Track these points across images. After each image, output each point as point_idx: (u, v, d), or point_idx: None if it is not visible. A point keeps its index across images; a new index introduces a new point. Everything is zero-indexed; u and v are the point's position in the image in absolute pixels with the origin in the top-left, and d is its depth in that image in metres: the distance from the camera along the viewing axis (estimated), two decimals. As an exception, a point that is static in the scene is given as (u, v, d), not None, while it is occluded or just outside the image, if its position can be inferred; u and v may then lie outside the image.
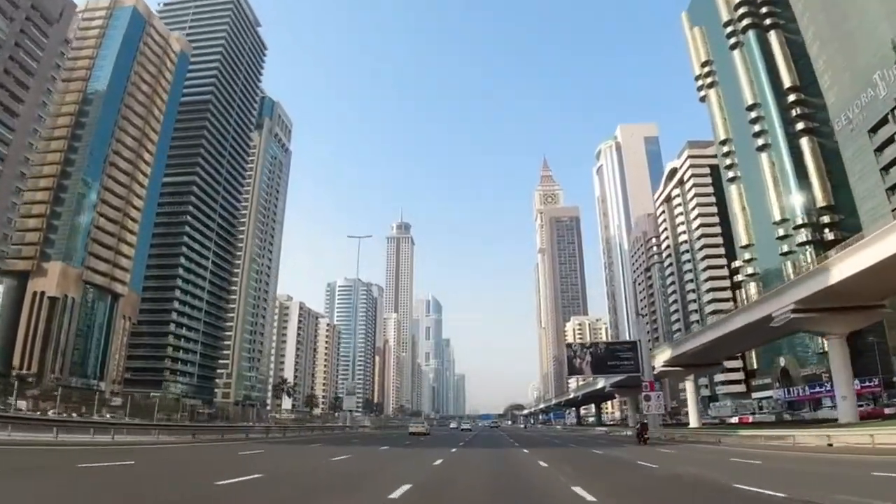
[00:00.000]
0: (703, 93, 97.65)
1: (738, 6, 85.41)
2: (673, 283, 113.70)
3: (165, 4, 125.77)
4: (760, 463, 15.86)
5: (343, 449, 21.24)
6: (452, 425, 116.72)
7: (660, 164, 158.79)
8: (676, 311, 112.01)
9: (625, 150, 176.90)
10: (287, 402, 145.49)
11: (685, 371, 51.87)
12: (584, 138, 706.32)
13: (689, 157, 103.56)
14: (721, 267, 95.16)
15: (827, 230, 70.98)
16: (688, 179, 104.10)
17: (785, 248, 75.13)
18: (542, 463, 16.03)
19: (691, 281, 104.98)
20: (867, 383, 57.81)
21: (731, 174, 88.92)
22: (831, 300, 29.08)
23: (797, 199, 73.39)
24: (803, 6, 71.86)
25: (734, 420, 60.08)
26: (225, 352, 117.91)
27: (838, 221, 70.80)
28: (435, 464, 15.46)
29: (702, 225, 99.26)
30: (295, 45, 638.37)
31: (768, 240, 79.09)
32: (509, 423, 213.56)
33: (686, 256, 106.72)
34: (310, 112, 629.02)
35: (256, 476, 10.63)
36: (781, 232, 75.64)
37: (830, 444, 19.69)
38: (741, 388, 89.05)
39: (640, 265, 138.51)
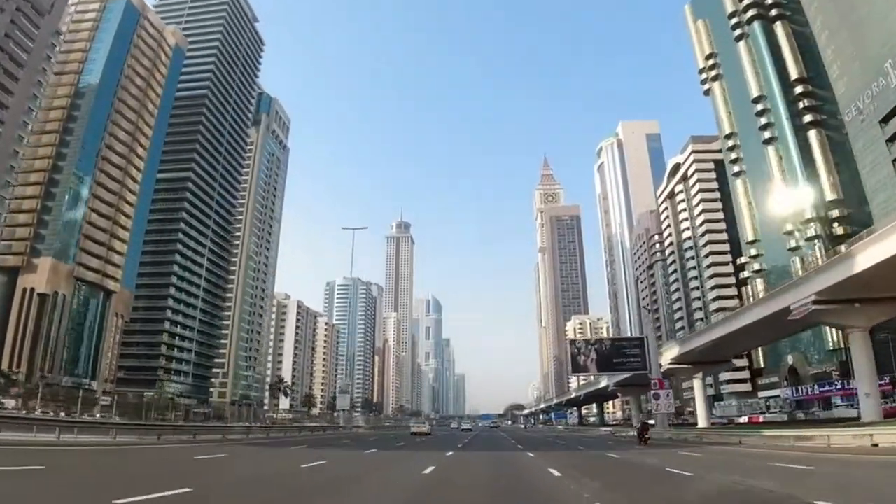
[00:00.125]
0: (707, 86, 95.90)
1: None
2: (676, 280, 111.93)
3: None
4: (813, 469, 13.86)
5: (322, 453, 19.26)
6: (453, 425, 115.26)
7: (662, 162, 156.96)
8: (680, 308, 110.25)
9: (626, 147, 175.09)
10: (285, 402, 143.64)
11: (693, 369, 50.05)
12: (585, 137, 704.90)
13: (693, 151, 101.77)
14: (726, 264, 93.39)
15: (836, 224, 69.22)
16: (692, 175, 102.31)
17: (793, 244, 73.34)
18: (553, 471, 13.59)
19: (695, 278, 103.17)
20: (879, 382, 56.01)
21: (736, 168, 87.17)
22: (856, 291, 27.34)
23: (805, 193, 71.55)
24: (811, -5, 70.24)
25: (743, 420, 58.39)
26: (221, 351, 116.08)
27: (847, 215, 69.11)
28: (425, 472, 13.09)
29: (706, 221, 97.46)
30: (295, 45, 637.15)
31: (775, 235, 77.32)
32: (509, 423, 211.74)
33: (690, 253, 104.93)
34: (309, 112, 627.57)
35: (178, 492, 8.21)
36: (789, 227, 73.84)
37: (875, 445, 17.72)
38: (747, 387, 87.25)
39: (643, 263, 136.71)
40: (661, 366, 46.64)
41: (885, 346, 54.97)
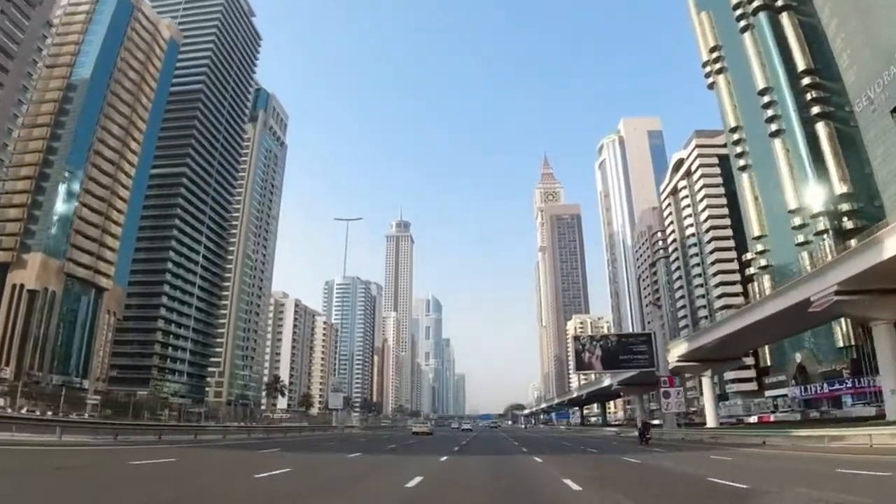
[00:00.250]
0: (711, 79, 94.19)
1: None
2: (679, 278, 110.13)
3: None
4: (892, 475, 11.91)
5: (295, 457, 16.89)
6: (454, 425, 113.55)
7: (664, 159, 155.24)
8: (683, 307, 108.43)
9: (628, 144, 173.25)
10: (283, 402, 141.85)
11: (702, 367, 48.16)
12: (585, 137, 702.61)
13: (697, 146, 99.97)
14: (731, 260, 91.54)
15: (846, 218, 67.43)
16: (695, 170, 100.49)
17: (801, 239, 71.51)
18: (570, 483, 10.63)
19: (699, 275, 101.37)
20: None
21: (742, 162, 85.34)
22: (883, 280, 25.53)
23: (814, 187, 69.79)
24: (820, -17, 68.51)
25: (753, 419, 56.55)
26: (217, 350, 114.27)
27: (857, 209, 67.39)
28: (408, 485, 10.19)
29: (710, 217, 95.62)
30: (295, 45, 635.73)
31: (782, 230, 75.51)
32: (509, 422, 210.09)
33: (693, 250, 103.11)
34: (309, 112, 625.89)
35: None
36: (797, 221, 72.02)
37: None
38: (752, 386, 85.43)
39: (645, 261, 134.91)
40: (668, 363, 44.84)
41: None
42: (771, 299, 35.22)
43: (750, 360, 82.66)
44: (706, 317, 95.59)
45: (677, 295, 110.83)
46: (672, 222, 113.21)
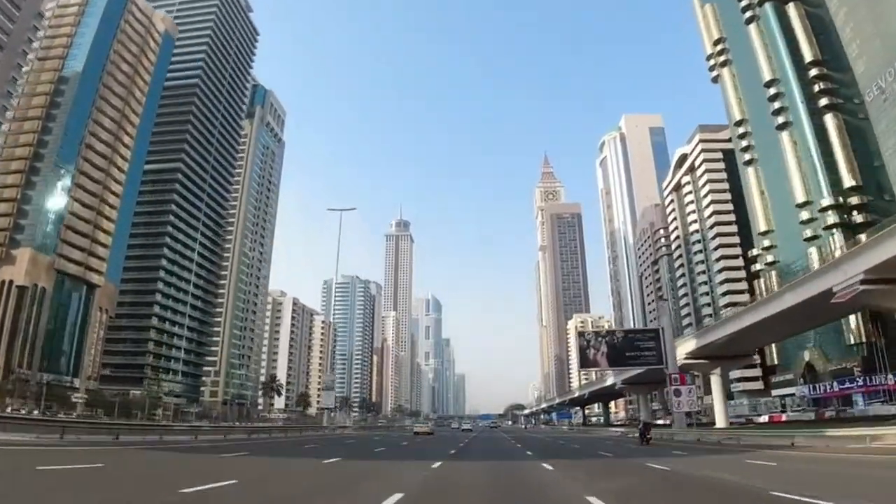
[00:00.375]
0: (715, 72, 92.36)
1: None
2: (683, 275, 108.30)
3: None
4: None
5: (258, 464, 14.33)
6: (454, 425, 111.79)
7: (666, 156, 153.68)
8: (687, 304, 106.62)
9: (629, 141, 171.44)
10: (280, 402, 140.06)
11: (711, 364, 46.33)
12: (585, 136, 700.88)
13: (701, 141, 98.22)
14: (736, 257, 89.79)
15: (855, 212, 65.66)
16: (699, 165, 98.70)
17: (809, 233, 69.71)
18: (596, 502, 7.97)
19: (703, 273, 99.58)
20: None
21: (747, 156, 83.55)
22: (914, 267, 23.80)
23: (822, 180, 68.05)
24: (828, -29, 66.83)
25: (763, 419, 54.76)
26: (213, 348, 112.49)
27: (866, 203, 65.65)
28: None
29: (715, 213, 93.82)
30: (294, 43, 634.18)
31: (790, 225, 73.69)
32: (509, 423, 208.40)
33: (697, 247, 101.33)
34: (309, 111, 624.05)
35: None
36: (805, 215, 70.22)
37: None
38: (758, 385, 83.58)
39: (647, 258, 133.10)
40: (676, 361, 43.04)
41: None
42: (787, 292, 33.34)
43: (755, 359, 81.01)
44: (710, 315, 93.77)
45: (680, 293, 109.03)
46: (675, 219, 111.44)
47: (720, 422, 45.64)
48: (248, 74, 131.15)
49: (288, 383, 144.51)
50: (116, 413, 49.83)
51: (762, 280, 78.84)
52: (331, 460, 15.70)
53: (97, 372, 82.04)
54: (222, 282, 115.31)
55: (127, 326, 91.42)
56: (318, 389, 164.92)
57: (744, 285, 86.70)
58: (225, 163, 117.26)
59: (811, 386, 66.44)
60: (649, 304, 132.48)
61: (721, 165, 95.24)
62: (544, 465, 15.43)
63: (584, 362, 45.29)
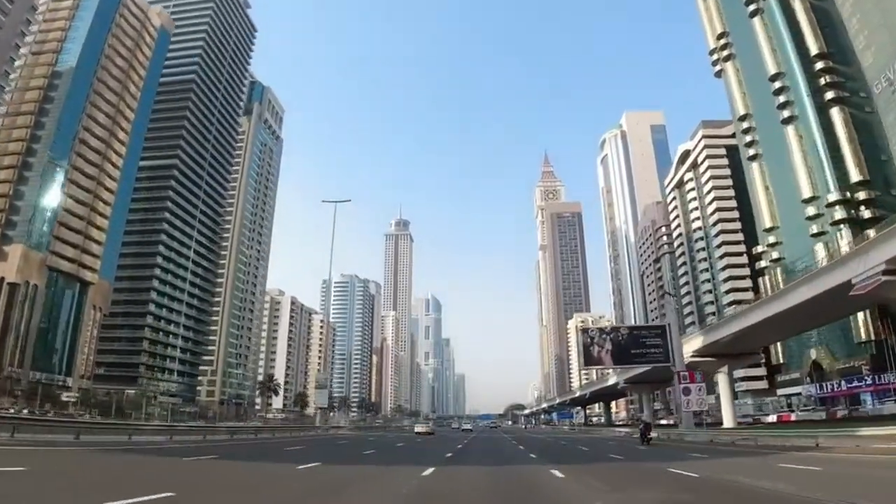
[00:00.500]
0: (718, 67, 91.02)
1: (758, -31, 78.99)
2: (685, 273, 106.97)
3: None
4: None
5: (219, 470, 12.72)
6: (454, 425, 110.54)
7: (667, 154, 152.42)
8: (689, 303, 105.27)
9: (631, 139, 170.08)
10: (278, 402, 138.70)
11: (718, 362, 44.93)
12: (584, 137, 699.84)
13: (704, 137, 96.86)
14: (740, 254, 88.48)
15: (863, 207, 64.36)
16: (702, 161, 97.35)
17: (815, 229, 68.36)
18: None
19: (706, 270, 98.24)
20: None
21: (751, 151, 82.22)
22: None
23: (829, 175, 66.75)
24: (834, -39, 65.60)
25: (771, 418, 53.40)
26: (210, 348, 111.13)
27: (874, 198, 64.38)
28: None
29: (718, 209, 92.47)
30: (295, 41, 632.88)
31: (795, 221, 72.37)
32: (509, 423, 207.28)
33: (700, 244, 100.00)
34: (308, 110, 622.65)
35: None
36: (811, 211, 68.90)
37: None
38: (763, 384, 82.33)
39: (649, 257, 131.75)
40: (683, 358, 41.67)
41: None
42: (801, 285, 31.89)
43: (761, 358, 79.73)
44: (713, 313, 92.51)
45: (683, 291, 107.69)
46: (677, 216, 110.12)
47: (727, 421, 44.28)
48: (246, 71, 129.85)
49: (286, 383, 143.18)
50: (114, 412, 48.54)
51: (767, 277, 77.50)
52: (307, 466, 13.90)
53: (91, 371, 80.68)
54: (219, 280, 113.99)
55: (121, 325, 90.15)
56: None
57: (748, 283, 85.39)
58: (222, 160, 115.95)
59: (818, 385, 65.07)
60: (651, 302, 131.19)
61: (724, 161, 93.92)
62: (553, 471, 13.57)
63: (588, 360, 43.83)
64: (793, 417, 49.03)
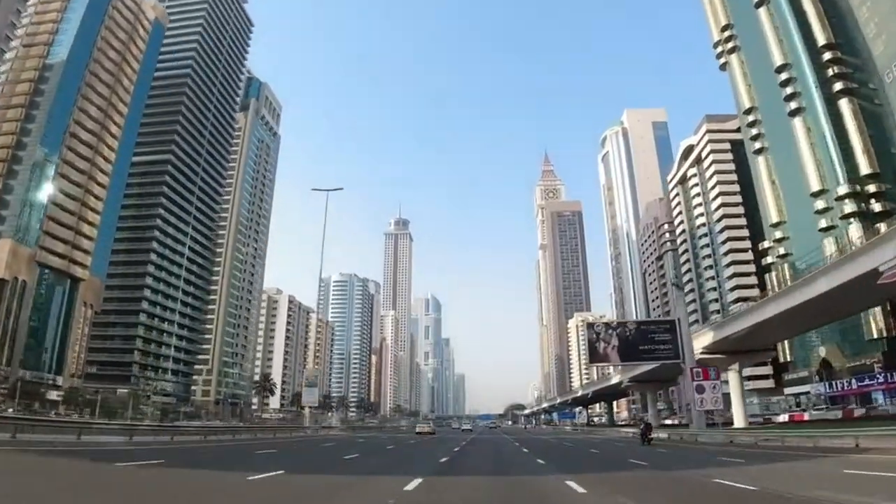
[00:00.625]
0: (723, 59, 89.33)
1: (763, -41, 77.30)
2: (689, 271, 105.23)
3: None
4: None
5: (158, 480, 10.44)
6: (454, 425, 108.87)
7: (669, 151, 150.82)
8: (693, 300, 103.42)
9: (632, 136, 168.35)
10: (275, 401, 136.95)
11: (728, 359, 43.14)
12: (584, 136, 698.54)
13: (708, 131, 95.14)
14: (745, 250, 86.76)
15: (873, 200, 62.67)
16: (706, 156, 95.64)
17: (824, 224, 66.67)
18: None
19: (710, 267, 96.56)
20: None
21: (757, 145, 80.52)
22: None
23: (838, 167, 65.04)
24: (841, -52, 63.98)
25: (782, 418, 51.66)
26: (206, 346, 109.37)
27: (884, 191, 62.70)
28: None
29: (723, 205, 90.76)
30: (293, 39, 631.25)
31: (803, 215, 70.69)
32: (509, 423, 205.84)
33: (704, 241, 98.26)
34: (308, 109, 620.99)
35: None
36: (820, 205, 67.18)
37: None
38: (769, 383, 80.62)
39: (651, 254, 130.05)
40: (694, 355, 39.92)
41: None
42: (823, 275, 30.06)
43: (772, 355, 78.03)
44: (717, 311, 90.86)
45: (686, 288, 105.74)
46: (681, 213, 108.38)
47: (738, 421, 42.52)
48: (243, 66, 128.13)
49: (283, 382, 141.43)
50: (98, 412, 46.71)
51: (774, 273, 75.76)
52: (263, 475, 11.36)
53: (82, 369, 78.85)
54: (215, 278, 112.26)
55: (114, 323, 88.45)
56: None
57: (753, 279, 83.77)
58: (218, 156, 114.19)
59: (828, 383, 63.36)
60: (653, 300, 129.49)
61: (729, 156, 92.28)
62: (569, 482, 10.87)
63: (594, 356, 42.02)
64: (806, 417, 47.25)
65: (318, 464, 15.74)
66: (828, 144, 66.98)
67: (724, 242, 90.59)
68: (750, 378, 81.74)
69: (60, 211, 75.78)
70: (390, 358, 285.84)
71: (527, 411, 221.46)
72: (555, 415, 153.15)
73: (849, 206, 63.13)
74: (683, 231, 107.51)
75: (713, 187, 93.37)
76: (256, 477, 11.04)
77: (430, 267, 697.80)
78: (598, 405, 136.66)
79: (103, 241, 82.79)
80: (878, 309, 56.00)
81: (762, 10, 78.88)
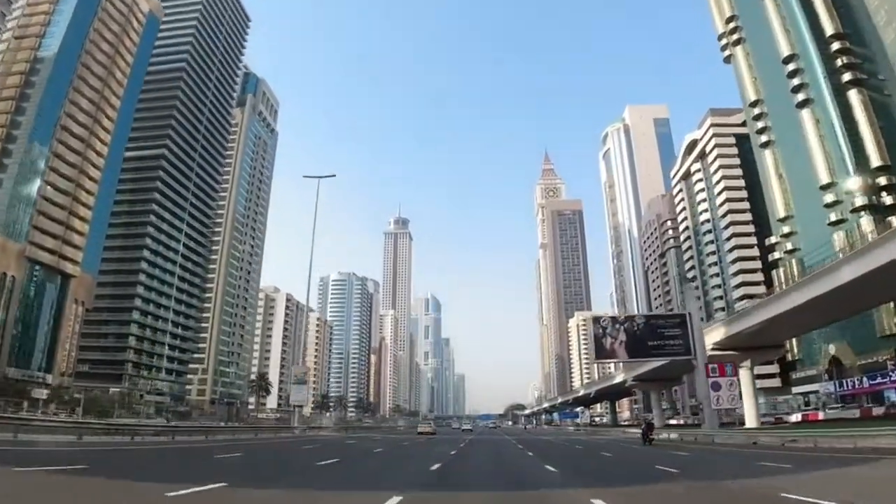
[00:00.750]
0: (727, 52, 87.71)
1: (769, -52, 75.68)
2: (693, 267, 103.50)
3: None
4: None
5: (48, 494, 8.13)
6: (455, 425, 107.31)
7: (671, 148, 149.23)
8: (697, 297, 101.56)
9: (634, 132, 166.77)
10: (273, 401, 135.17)
11: (740, 356, 41.31)
12: (584, 135, 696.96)
13: (713, 125, 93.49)
14: (751, 246, 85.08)
15: (884, 193, 61.06)
16: (711, 151, 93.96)
17: (833, 217, 64.99)
18: None
19: (715, 264, 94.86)
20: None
21: (763, 138, 78.87)
22: None
23: (848, 160, 63.40)
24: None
25: (794, 417, 49.95)
26: (201, 345, 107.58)
27: (895, 184, 61.08)
28: None
29: (728, 200, 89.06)
30: (293, 38, 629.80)
31: (811, 210, 69.01)
32: (509, 423, 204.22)
33: (708, 237, 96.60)
34: (307, 108, 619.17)
35: None
36: (829, 198, 65.49)
37: None
38: (775, 382, 78.79)
39: (654, 252, 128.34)
40: (706, 351, 38.21)
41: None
42: (846, 264, 28.15)
43: (784, 351, 76.23)
44: (723, 308, 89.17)
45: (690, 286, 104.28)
46: (684, 209, 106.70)
47: (750, 421, 40.78)
48: (240, 61, 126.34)
49: (281, 382, 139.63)
50: (82, 411, 45.05)
51: (781, 269, 74.09)
52: (194, 490, 8.60)
53: (73, 368, 77.08)
54: (211, 276, 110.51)
55: (107, 321, 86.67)
56: (313, 388, 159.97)
57: (759, 276, 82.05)
58: (214, 151, 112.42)
59: (838, 381, 61.64)
60: (655, 298, 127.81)
61: (734, 151, 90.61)
62: (595, 501, 8.27)
63: (600, 353, 40.28)
64: (820, 416, 45.46)
65: (278, 472, 13.00)
66: (837, 136, 65.35)
67: (728, 238, 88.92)
68: (756, 377, 79.96)
69: (51, 205, 74.03)
70: (390, 358, 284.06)
71: (527, 411, 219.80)
72: (555, 415, 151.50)
73: (859, 199, 61.42)
74: (687, 227, 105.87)
75: (717, 182, 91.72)
76: (180, 493, 8.18)
77: (429, 267, 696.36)
78: (599, 405, 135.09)
79: (95, 237, 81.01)
80: (890, 305, 54.40)
81: (768, 0, 77.26)
